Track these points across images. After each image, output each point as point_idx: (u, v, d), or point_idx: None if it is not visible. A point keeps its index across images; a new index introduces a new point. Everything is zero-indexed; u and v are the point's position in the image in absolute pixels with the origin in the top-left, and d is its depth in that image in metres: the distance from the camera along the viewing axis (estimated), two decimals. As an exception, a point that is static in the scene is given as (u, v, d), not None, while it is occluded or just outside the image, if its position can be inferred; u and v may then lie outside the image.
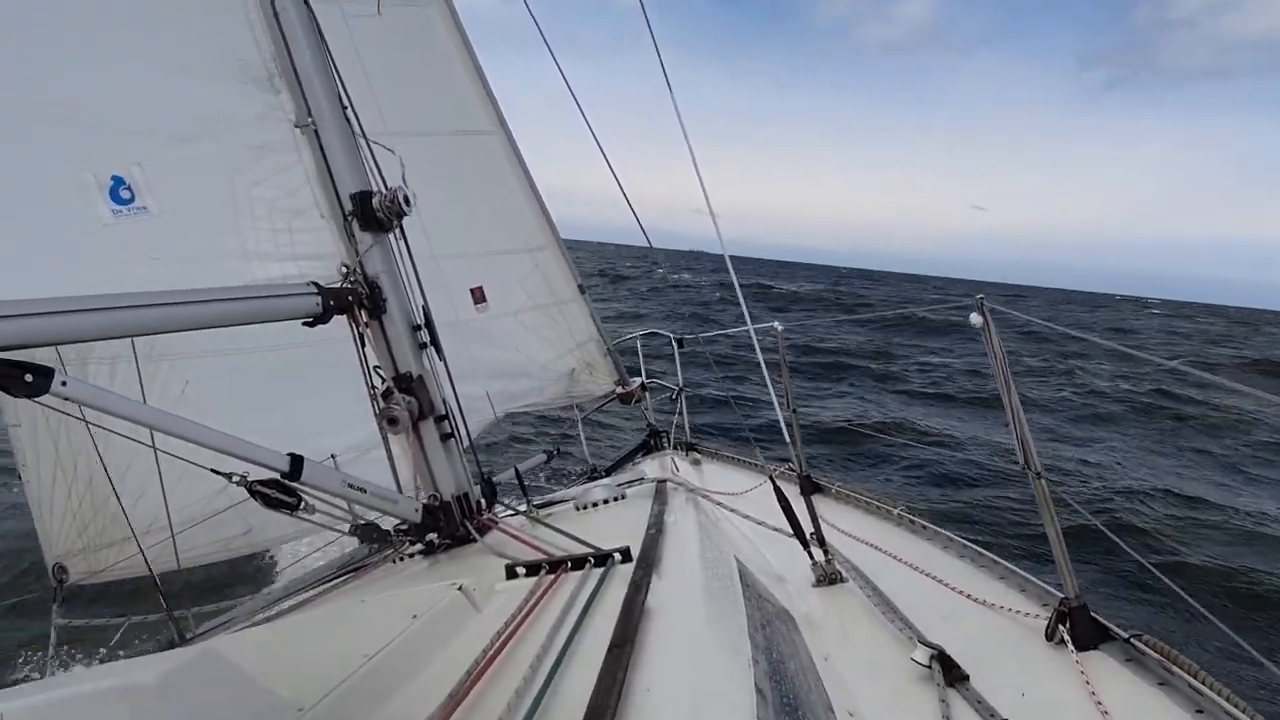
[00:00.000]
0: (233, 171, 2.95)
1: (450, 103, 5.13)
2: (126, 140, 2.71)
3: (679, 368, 5.62)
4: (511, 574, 2.32)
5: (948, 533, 3.08)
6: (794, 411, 3.61)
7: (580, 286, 5.62)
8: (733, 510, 3.27)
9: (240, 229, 2.95)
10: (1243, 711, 1.63)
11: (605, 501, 3.41)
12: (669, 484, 3.48)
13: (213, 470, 2.62)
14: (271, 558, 5.89)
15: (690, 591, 2.08)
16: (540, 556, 2.47)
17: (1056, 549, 2.13)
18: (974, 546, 2.87)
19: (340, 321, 3.13)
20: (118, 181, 2.71)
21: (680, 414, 5.40)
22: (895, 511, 3.49)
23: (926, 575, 2.72)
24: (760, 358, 3.02)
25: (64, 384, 2.27)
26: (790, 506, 2.86)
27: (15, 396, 2.22)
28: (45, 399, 2.26)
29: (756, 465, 4.53)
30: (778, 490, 2.89)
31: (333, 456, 4.47)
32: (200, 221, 2.88)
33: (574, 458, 6.24)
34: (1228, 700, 1.68)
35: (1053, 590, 2.34)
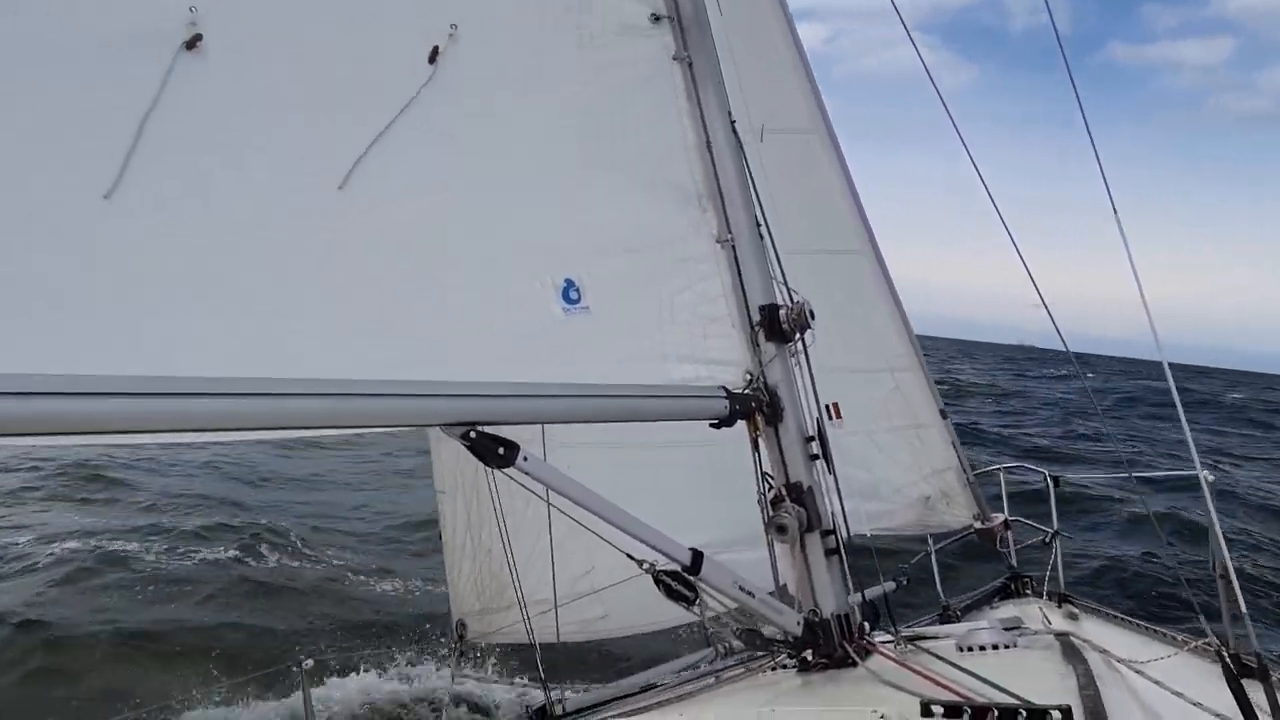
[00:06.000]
0: (662, 280, 3.23)
1: (825, 223, 5.31)
2: (582, 251, 3.10)
3: (1054, 509, 5.13)
4: (927, 711, 2.18)
5: None
6: (1225, 572, 3.11)
7: (942, 411, 5.41)
8: (1155, 682, 2.84)
9: (662, 331, 3.21)
10: None
11: (995, 647, 3.13)
12: (1072, 639, 3.13)
13: (628, 555, 2.79)
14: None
15: None
16: (953, 698, 2.29)
17: None
18: None
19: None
20: (569, 284, 3.08)
21: (1054, 561, 4.89)
22: None
23: None
24: (1211, 506, 2.65)
25: (524, 459, 2.56)
26: (1243, 690, 2.44)
27: (489, 466, 2.54)
28: (510, 471, 2.56)
29: (1159, 633, 3.93)
30: (1227, 669, 2.48)
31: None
32: (630, 323, 3.18)
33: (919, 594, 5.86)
34: None
35: None
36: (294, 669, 2.92)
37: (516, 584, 4.04)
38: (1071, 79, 3.91)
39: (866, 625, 3.17)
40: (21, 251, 2.10)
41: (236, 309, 2.44)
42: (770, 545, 3.23)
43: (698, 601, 2.88)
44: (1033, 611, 4.58)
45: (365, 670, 6.10)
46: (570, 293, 3.11)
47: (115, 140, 2.23)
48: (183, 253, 2.38)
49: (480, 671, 4.30)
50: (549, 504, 3.01)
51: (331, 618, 7.82)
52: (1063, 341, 4.62)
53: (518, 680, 4.13)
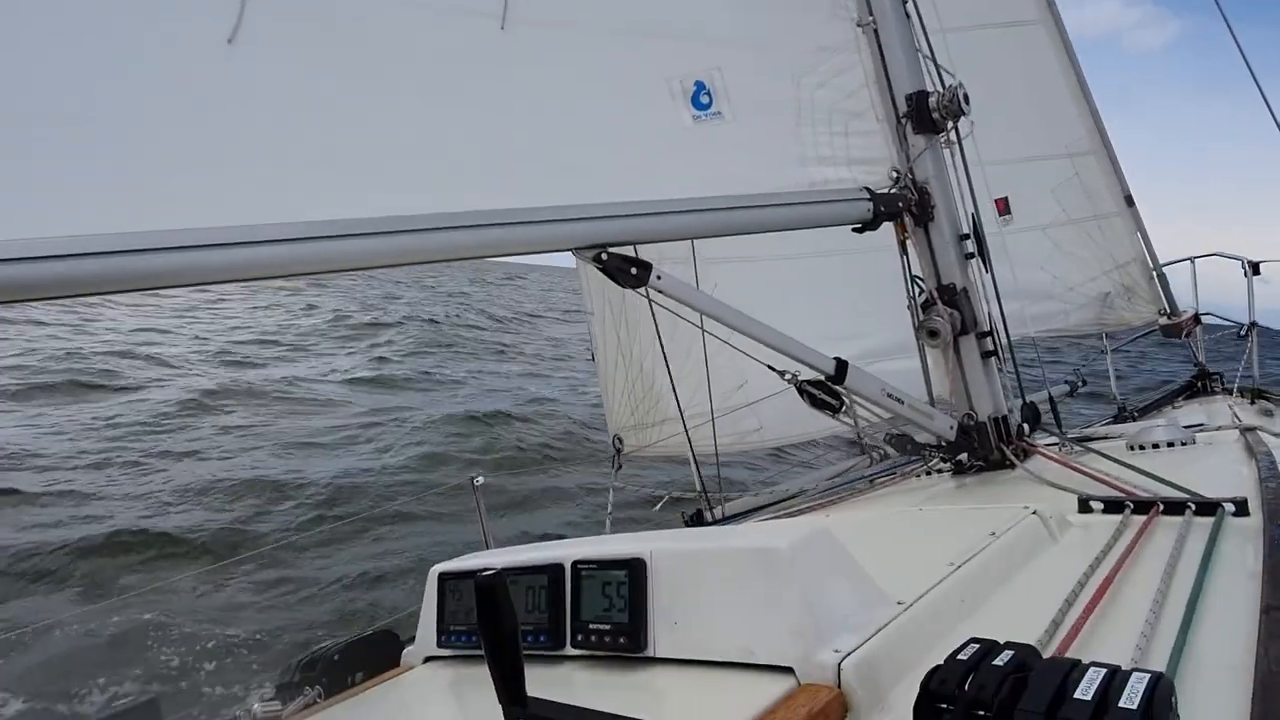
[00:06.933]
0: (798, 75, 2.99)
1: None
2: (709, 47, 2.89)
3: (1251, 299, 4.62)
4: (1085, 507, 2.09)
5: None
6: None
7: (1128, 198, 4.88)
8: None
9: (800, 133, 3.01)
10: None
11: (1170, 444, 2.92)
12: (1260, 432, 2.87)
13: (769, 366, 2.76)
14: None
15: None
16: (1115, 493, 2.18)
17: None
18: None
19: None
20: (699, 87, 2.89)
21: (1249, 354, 4.44)
22: None
23: None
24: None
25: (659, 278, 2.53)
26: None
27: (622, 286, 2.52)
28: (642, 290, 2.54)
29: None
30: None
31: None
32: (765, 126, 2.98)
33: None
34: None
35: None
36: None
37: (675, 393, 4.11)
38: None
39: (1027, 428, 3.04)
40: (152, 106, 2.16)
41: (366, 150, 2.45)
42: (921, 351, 3.11)
43: (845, 410, 2.84)
44: (1220, 409, 4.23)
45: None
46: (701, 97, 2.93)
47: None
48: (313, 94, 2.38)
49: (636, 484, 4.52)
50: (697, 324, 2.99)
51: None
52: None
53: (673, 492, 4.32)
